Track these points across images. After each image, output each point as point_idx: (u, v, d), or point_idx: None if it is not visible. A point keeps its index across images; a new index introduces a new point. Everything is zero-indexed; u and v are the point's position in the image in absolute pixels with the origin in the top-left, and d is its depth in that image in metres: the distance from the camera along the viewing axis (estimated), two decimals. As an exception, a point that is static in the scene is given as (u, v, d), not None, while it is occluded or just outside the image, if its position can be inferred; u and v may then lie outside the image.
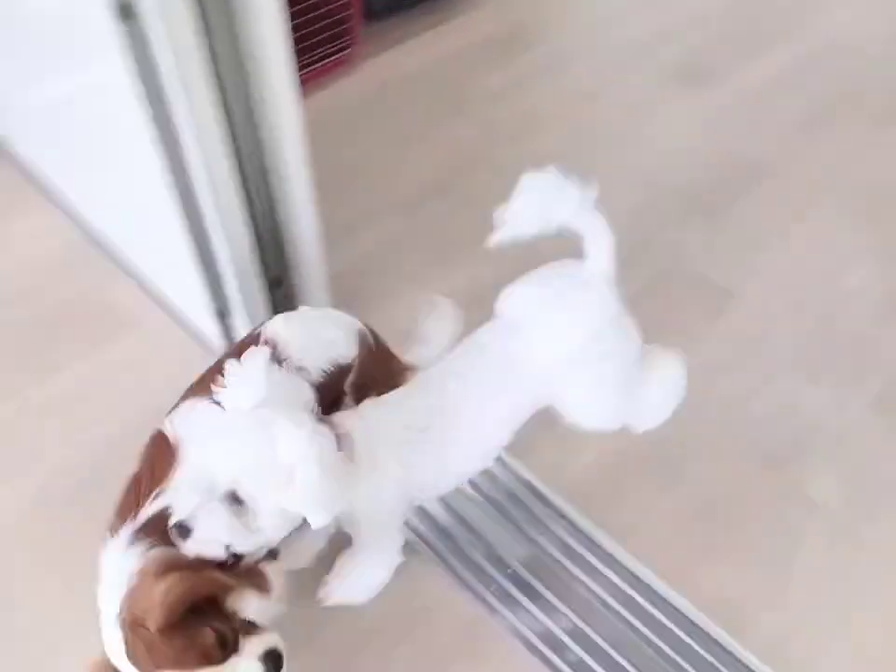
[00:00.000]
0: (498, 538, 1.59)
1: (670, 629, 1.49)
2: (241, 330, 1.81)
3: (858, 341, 1.95)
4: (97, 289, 2.05)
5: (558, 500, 1.64)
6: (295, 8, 2.41)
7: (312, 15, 2.51)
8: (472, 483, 1.67)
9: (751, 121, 2.58)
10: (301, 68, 2.58)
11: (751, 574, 1.56)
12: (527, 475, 1.68)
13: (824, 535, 1.61)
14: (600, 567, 1.56)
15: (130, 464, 1.27)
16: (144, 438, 1.30)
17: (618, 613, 1.50)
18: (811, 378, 1.87)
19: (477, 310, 1.40)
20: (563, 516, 1.62)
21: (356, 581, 1.47)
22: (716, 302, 2.03)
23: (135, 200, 1.79)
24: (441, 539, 1.59)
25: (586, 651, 1.44)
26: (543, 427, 1.63)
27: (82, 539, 1.21)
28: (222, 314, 1.80)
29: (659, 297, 2.03)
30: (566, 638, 1.45)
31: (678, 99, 2.67)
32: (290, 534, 1.17)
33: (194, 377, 1.36)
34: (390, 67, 2.78)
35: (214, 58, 1.39)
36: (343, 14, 2.61)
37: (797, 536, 1.61)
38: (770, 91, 2.70)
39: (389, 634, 1.47)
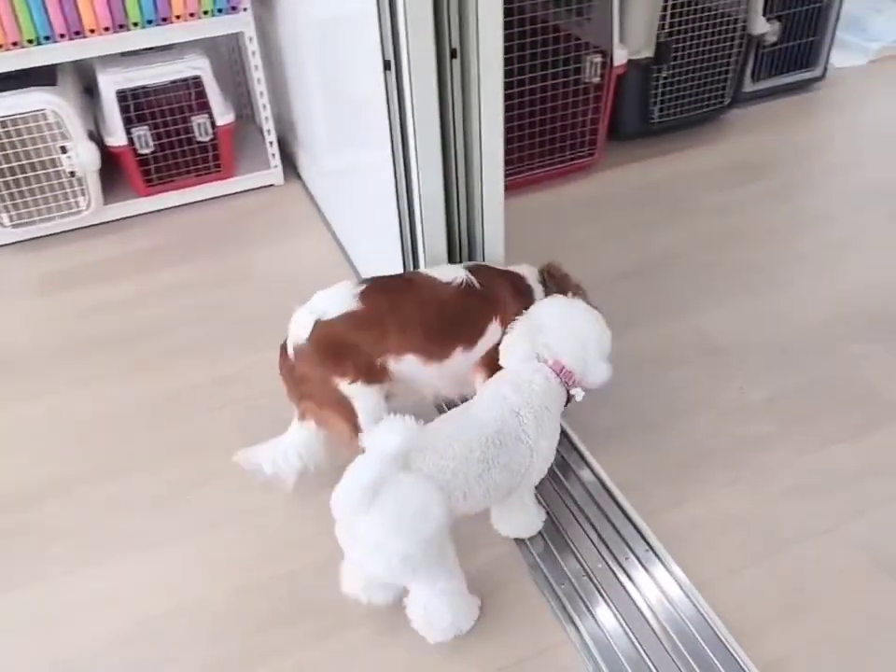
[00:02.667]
0: (583, 546, 1.74)
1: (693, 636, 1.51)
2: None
3: None
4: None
5: (651, 536, 1.75)
6: (547, 114, 2.92)
7: (561, 123, 2.97)
8: (577, 503, 1.85)
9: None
10: (543, 165, 3.07)
11: (828, 654, 1.52)
12: (629, 508, 1.81)
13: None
14: (681, 610, 1.63)
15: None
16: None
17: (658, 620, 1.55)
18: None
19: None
20: (651, 548, 1.73)
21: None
22: (874, 416, 2.01)
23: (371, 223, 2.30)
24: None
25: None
26: (661, 475, 1.78)
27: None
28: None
29: (817, 399, 2.07)
30: None
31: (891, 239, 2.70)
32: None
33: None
34: (623, 178, 3.13)
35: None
36: (591, 126, 3.04)
37: (892, 638, 1.54)
38: None
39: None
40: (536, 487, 1.73)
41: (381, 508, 1.33)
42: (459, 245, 2.08)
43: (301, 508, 1.85)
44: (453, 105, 1.82)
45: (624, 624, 1.59)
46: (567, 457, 1.95)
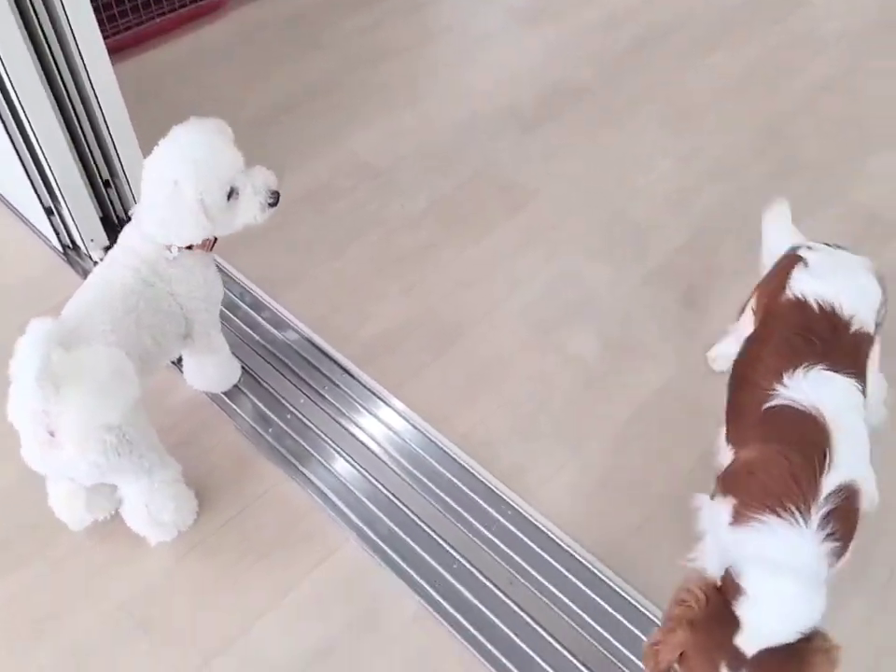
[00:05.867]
0: (282, 387, 1.79)
1: (435, 466, 1.68)
2: (72, 227, 2.00)
3: (642, 228, 2.15)
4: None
5: (344, 360, 1.84)
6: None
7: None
8: (266, 341, 1.88)
9: (581, 54, 2.78)
10: (168, 12, 2.81)
11: (507, 415, 1.75)
12: (319, 340, 1.88)
13: (576, 383, 1.80)
14: (378, 415, 1.76)
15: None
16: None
17: (395, 459, 1.69)
18: (593, 258, 2.07)
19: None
20: (346, 371, 1.82)
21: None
22: (520, 200, 2.23)
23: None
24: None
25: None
26: (338, 303, 1.84)
27: None
28: (51, 211, 1.98)
29: (468, 197, 2.24)
30: (357, 492, 1.64)
31: (516, 35, 2.88)
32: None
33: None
34: (257, 14, 2.96)
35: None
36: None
37: (552, 383, 1.81)
38: (601, 28, 2.90)
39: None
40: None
41: (73, 382, 1.22)
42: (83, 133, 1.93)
43: None
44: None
45: (335, 446, 1.70)
46: (256, 312, 1.95)
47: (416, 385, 1.80)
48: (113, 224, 2.10)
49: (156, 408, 1.74)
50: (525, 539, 1.56)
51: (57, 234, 2.03)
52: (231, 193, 1.45)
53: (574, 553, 1.54)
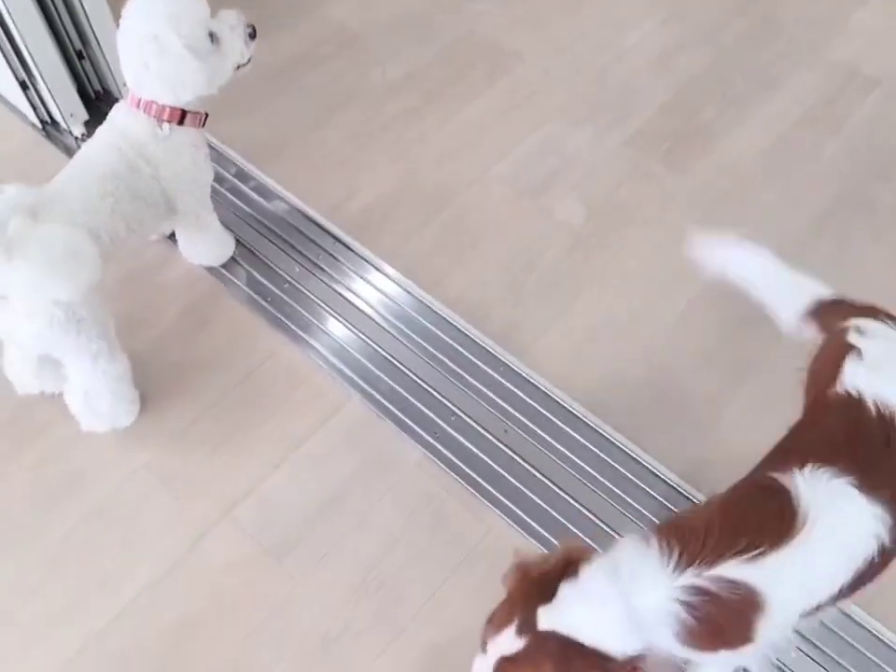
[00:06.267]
0: (277, 257, 1.83)
1: (429, 328, 1.75)
2: (49, 101, 1.96)
3: (626, 90, 2.15)
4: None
5: (335, 229, 1.88)
6: None
7: None
8: (257, 212, 1.91)
9: None
10: None
11: (497, 278, 1.82)
12: (309, 210, 1.90)
13: (563, 245, 1.86)
14: (372, 281, 1.81)
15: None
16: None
17: (391, 323, 1.76)
18: (576, 122, 2.08)
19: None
20: (338, 240, 1.86)
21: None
22: (503, 65, 2.21)
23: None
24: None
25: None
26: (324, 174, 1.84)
27: None
28: (25, 84, 1.93)
29: (450, 63, 2.21)
30: (359, 356, 1.71)
31: None
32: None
33: None
34: None
35: None
36: None
37: (540, 247, 1.86)
38: None
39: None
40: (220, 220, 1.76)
41: (25, 252, 1.23)
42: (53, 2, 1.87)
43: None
44: None
45: (332, 311, 1.76)
46: (243, 183, 1.96)
47: (407, 252, 1.85)
48: (90, 98, 2.06)
49: (153, 282, 1.80)
50: (518, 392, 1.66)
51: (34, 109, 1.99)
52: (212, 37, 1.44)
53: (564, 404, 1.64)
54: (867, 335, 1.16)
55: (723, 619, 0.99)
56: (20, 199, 1.24)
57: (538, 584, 1.04)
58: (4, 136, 2.04)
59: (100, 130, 1.52)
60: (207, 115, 1.56)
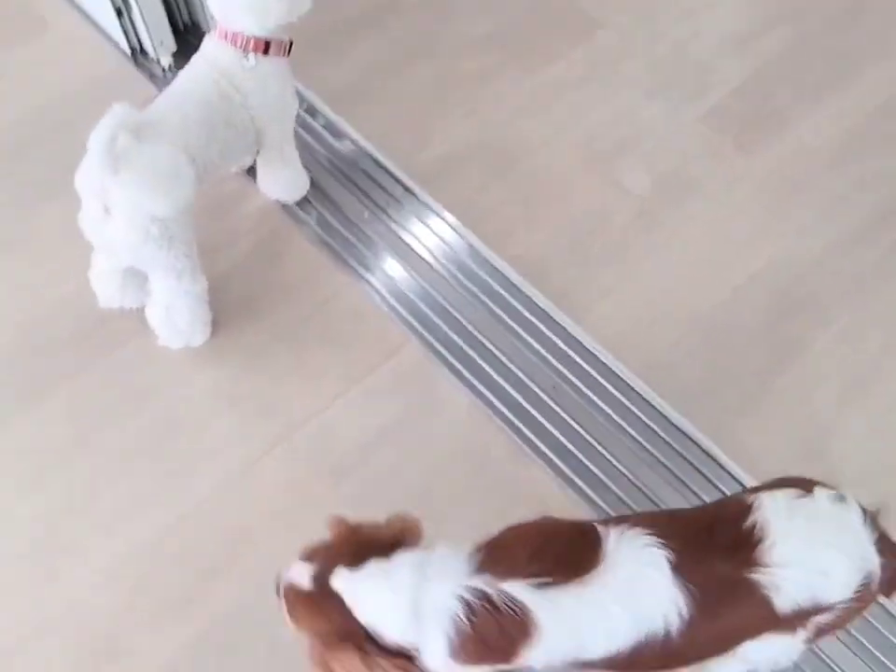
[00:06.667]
0: (346, 201, 1.89)
1: (488, 282, 1.81)
2: (141, 29, 2.03)
3: (704, 66, 2.15)
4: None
5: (405, 178, 1.93)
6: None
7: None
8: (331, 155, 1.96)
9: None
10: None
11: (559, 240, 1.86)
12: (381, 157, 1.96)
13: (628, 214, 1.90)
14: (438, 232, 1.87)
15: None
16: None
17: (452, 274, 1.81)
18: (651, 94, 2.09)
19: None
20: (407, 188, 1.92)
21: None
22: (584, 30, 2.21)
23: None
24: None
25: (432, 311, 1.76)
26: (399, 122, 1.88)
27: None
28: (120, 11, 2.00)
29: (532, 24, 2.22)
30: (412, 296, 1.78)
31: None
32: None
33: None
34: None
35: None
36: None
37: (606, 213, 1.90)
38: None
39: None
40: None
41: (131, 168, 1.32)
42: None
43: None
44: None
45: (397, 258, 1.82)
46: (316, 123, 2.01)
47: (473, 205, 1.89)
48: (178, 30, 2.12)
49: (230, 213, 1.88)
50: (570, 352, 1.71)
51: (126, 37, 2.05)
52: None
53: (614, 369, 1.69)
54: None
55: (493, 632, 1.00)
56: (126, 117, 1.31)
57: (357, 546, 1.06)
58: (96, 61, 2.11)
59: (194, 59, 1.59)
60: (292, 43, 1.61)
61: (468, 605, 0.99)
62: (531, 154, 1.98)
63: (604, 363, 1.70)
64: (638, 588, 1.01)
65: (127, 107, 1.32)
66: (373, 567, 1.03)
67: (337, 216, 1.87)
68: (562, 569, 1.01)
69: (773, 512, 1.04)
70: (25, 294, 1.76)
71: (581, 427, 1.63)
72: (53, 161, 1.74)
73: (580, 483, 1.57)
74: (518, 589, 1.00)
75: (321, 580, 1.03)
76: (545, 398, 1.66)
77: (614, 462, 1.59)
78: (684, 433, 1.62)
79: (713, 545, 1.03)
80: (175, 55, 2.07)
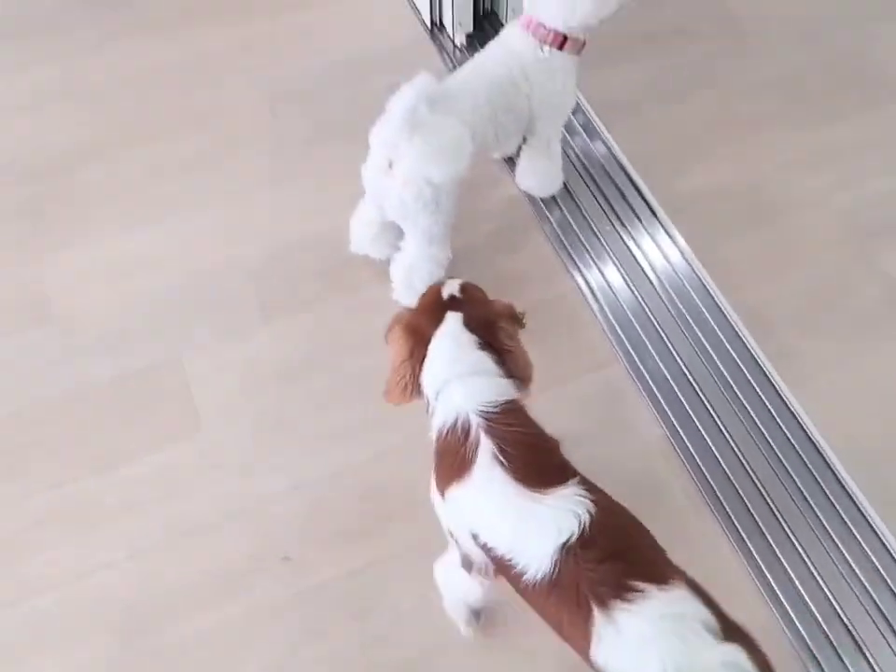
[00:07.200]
0: (593, 209, 1.94)
1: (710, 323, 1.78)
2: (446, 5, 2.15)
3: None
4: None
5: (656, 204, 1.94)
6: None
7: None
8: (587, 162, 2.02)
9: None
10: None
11: (791, 303, 1.80)
12: (635, 176, 1.98)
13: (876, 296, 1.80)
14: (673, 262, 1.86)
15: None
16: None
17: (675, 305, 1.81)
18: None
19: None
20: (655, 215, 1.93)
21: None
22: (877, 96, 2.10)
23: None
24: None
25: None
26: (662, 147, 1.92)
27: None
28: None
29: (826, 77, 2.15)
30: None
31: None
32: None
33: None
34: None
35: None
36: None
37: (851, 289, 1.81)
38: None
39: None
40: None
41: (422, 134, 1.45)
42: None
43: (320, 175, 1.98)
44: None
45: (626, 277, 1.84)
46: (582, 127, 2.06)
47: (716, 247, 1.87)
48: (477, 14, 2.24)
49: (481, 196, 1.97)
50: (778, 419, 1.65)
51: (430, 10, 2.20)
52: None
53: (823, 450, 1.60)
54: None
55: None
56: (427, 87, 1.43)
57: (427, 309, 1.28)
58: (399, 31, 2.27)
59: (492, 44, 1.69)
60: (585, 43, 1.66)
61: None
62: (791, 211, 1.92)
63: (812, 440, 1.63)
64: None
65: (430, 78, 1.44)
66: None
67: (579, 220, 1.92)
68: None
69: None
70: (291, 218, 1.94)
71: (770, 497, 1.57)
72: (349, 108, 1.92)
73: (752, 549, 1.52)
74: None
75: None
76: (739, 456, 1.62)
77: (800, 549, 1.50)
78: (877, 534, 1.53)
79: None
80: (469, 36, 2.19)
